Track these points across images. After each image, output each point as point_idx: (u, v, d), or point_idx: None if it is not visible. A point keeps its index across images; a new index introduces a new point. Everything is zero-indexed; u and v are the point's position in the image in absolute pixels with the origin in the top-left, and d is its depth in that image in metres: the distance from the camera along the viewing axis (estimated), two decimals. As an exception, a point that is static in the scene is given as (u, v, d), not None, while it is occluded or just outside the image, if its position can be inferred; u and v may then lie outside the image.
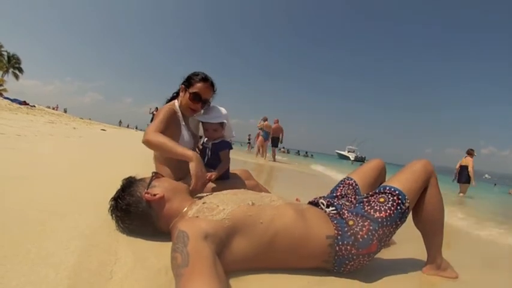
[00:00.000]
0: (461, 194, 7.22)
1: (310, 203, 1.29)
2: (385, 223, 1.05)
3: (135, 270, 0.85)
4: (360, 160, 43.45)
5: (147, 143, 1.45)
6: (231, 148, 1.81)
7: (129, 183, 1.11)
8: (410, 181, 1.15)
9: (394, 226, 1.08)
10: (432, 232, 1.22)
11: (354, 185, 1.36)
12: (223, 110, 1.80)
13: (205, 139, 1.83)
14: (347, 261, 1.04)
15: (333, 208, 1.15)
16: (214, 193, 1.12)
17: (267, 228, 0.95)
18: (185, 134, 1.71)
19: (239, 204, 0.98)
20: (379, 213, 1.06)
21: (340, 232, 1.04)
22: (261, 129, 9.89)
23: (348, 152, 54.26)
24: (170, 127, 1.60)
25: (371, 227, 1.03)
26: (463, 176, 7.37)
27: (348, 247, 1.02)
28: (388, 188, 1.13)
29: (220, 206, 0.96)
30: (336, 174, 7.40)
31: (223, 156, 1.75)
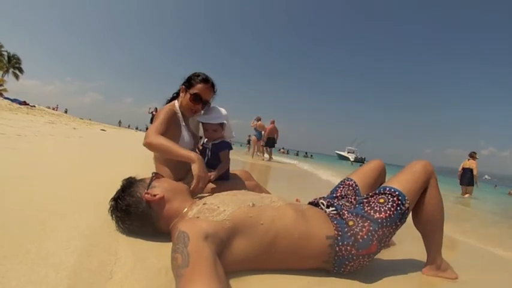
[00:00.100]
0: (466, 195, 7.35)
1: (311, 203, 1.29)
2: (385, 224, 1.05)
3: (135, 270, 0.85)
4: (360, 161, 43.36)
5: (149, 145, 1.45)
6: (231, 148, 1.81)
7: (129, 184, 1.11)
8: (410, 182, 1.16)
9: (394, 227, 1.08)
10: (432, 233, 1.22)
11: (354, 185, 1.36)
12: (223, 111, 1.80)
13: (205, 139, 1.83)
14: (347, 262, 1.04)
15: (333, 208, 1.15)
16: (215, 194, 1.12)
17: (268, 229, 0.95)
18: (185, 134, 1.71)
19: (240, 205, 0.98)
20: (379, 214, 1.06)
21: (340, 232, 1.04)
22: (254, 129, 9.95)
23: (348, 152, 54.14)
24: (170, 128, 1.60)
25: (371, 228, 1.04)
26: (466, 179, 7.55)
27: (348, 247, 1.02)
28: (388, 188, 1.13)
29: (220, 207, 0.96)
30: (323, 173, 8.08)
31: (223, 157, 1.75)
